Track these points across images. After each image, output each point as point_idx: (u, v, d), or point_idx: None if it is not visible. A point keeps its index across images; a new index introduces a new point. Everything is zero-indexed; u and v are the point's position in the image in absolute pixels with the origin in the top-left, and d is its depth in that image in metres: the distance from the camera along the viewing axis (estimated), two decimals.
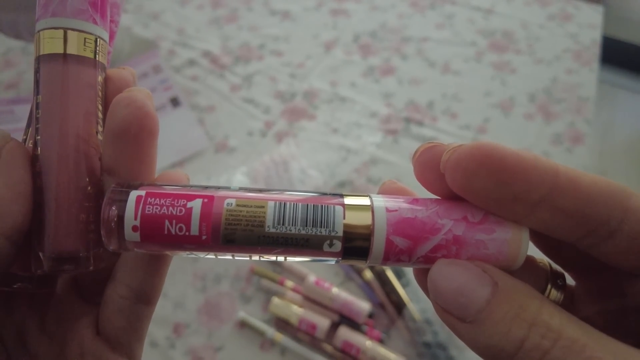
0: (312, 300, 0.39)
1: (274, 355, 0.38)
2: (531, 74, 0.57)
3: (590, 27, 0.63)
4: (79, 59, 0.14)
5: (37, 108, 0.14)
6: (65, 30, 0.13)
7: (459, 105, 0.54)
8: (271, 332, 0.38)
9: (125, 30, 0.62)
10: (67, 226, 0.13)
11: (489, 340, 0.10)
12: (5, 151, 0.13)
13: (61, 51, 0.13)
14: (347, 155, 0.49)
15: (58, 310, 0.16)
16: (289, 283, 0.40)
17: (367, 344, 0.36)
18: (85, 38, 0.14)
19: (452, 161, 0.11)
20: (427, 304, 0.38)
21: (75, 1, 0.13)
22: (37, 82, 0.14)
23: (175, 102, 0.54)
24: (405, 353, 0.37)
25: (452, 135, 0.51)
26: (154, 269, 0.15)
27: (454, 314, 0.11)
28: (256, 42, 0.61)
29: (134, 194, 0.12)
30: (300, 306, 0.39)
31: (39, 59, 0.14)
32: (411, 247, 0.12)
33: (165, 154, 0.49)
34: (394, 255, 0.12)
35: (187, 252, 0.13)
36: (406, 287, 0.39)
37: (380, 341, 0.37)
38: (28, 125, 0.15)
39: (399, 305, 0.38)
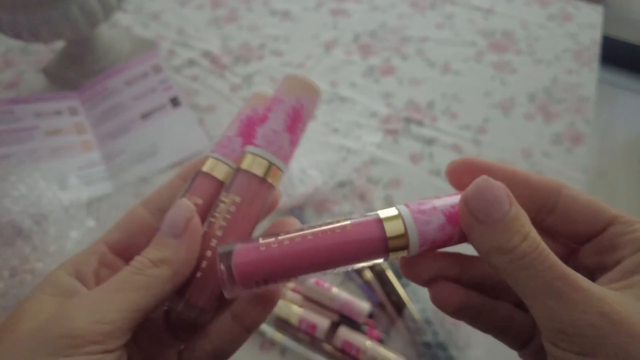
0: (312, 300, 0.39)
1: (273, 355, 0.38)
2: (531, 74, 0.57)
3: (590, 27, 0.63)
4: (269, 186, 0.19)
5: (225, 198, 0.18)
6: (271, 164, 0.18)
7: (459, 105, 0.54)
8: (271, 332, 0.38)
9: (125, 30, 0.63)
10: (205, 289, 0.18)
11: (494, 241, 0.15)
12: (192, 225, 0.17)
13: (261, 175, 0.18)
14: (347, 155, 0.49)
15: (150, 333, 0.19)
16: (289, 283, 0.40)
17: (367, 344, 0.36)
18: (280, 174, 0.19)
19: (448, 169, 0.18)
20: (427, 304, 0.38)
21: (285, 148, 0.19)
22: (234, 181, 0.18)
23: (175, 102, 0.54)
24: (405, 353, 0.37)
25: (452, 135, 0.51)
26: (241, 338, 0.18)
27: (478, 216, 0.15)
28: (256, 42, 0.61)
29: (230, 261, 0.16)
30: (300, 306, 0.39)
31: (243, 171, 0.18)
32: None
33: (164, 155, 0.49)
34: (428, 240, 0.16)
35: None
36: (406, 287, 0.39)
37: (380, 341, 0.37)
38: (187, 190, 0.20)
39: (399, 306, 0.38)
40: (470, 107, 0.54)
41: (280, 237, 0.16)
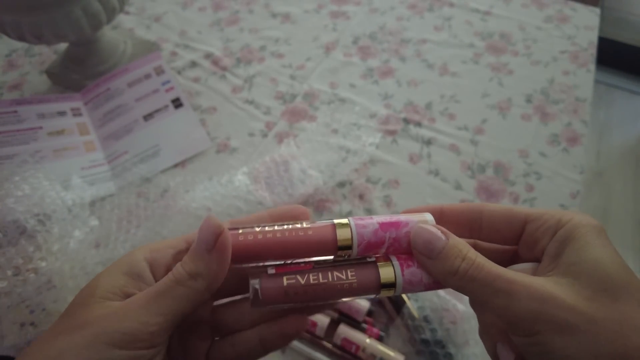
0: None
1: (274, 353, 0.38)
2: (528, 75, 0.58)
3: (587, 29, 0.63)
4: (375, 291, 0.20)
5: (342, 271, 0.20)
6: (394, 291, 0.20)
7: (457, 106, 0.55)
8: None
9: (128, 32, 0.63)
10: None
11: (443, 268, 0.18)
12: (221, 241, 0.18)
13: (378, 288, 0.20)
14: (347, 156, 0.49)
15: (193, 324, 0.21)
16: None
17: (367, 341, 0.37)
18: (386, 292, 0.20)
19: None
20: (425, 302, 0.39)
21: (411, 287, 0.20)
22: (362, 265, 0.20)
23: (177, 103, 0.54)
24: (403, 350, 0.38)
25: (450, 135, 0.52)
26: (257, 354, 0.21)
27: (425, 254, 0.19)
28: (257, 44, 0.62)
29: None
30: None
31: (375, 266, 0.20)
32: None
33: (167, 155, 0.50)
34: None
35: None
36: None
37: (379, 339, 0.38)
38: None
39: (398, 304, 0.39)
40: (468, 108, 0.54)
41: (256, 230, 0.20)
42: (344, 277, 0.19)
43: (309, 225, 0.20)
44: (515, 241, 0.20)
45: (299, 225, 0.20)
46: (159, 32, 0.63)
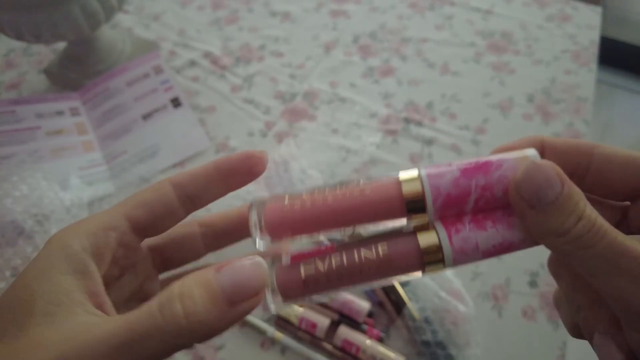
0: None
1: (274, 354, 0.38)
2: (530, 74, 0.58)
3: (588, 28, 0.63)
4: (419, 266, 0.17)
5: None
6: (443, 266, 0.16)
7: (458, 106, 0.54)
8: (272, 331, 0.38)
9: (127, 31, 0.63)
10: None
11: (548, 224, 0.14)
12: (258, 297, 0.15)
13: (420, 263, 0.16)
14: (347, 156, 0.49)
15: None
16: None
17: (367, 342, 0.36)
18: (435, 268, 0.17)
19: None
20: (426, 303, 0.38)
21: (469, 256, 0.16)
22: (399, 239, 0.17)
23: (176, 102, 0.54)
24: (404, 352, 0.37)
25: (451, 135, 0.51)
26: None
27: (529, 202, 0.14)
28: (256, 43, 0.61)
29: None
30: (301, 305, 0.39)
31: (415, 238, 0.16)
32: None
33: (166, 155, 0.50)
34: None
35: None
36: (405, 286, 0.40)
37: (380, 340, 0.37)
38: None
39: (399, 305, 0.39)
40: (469, 107, 0.54)
41: (304, 196, 0.16)
42: (374, 255, 0.16)
43: (367, 182, 0.16)
44: (630, 199, 0.16)
45: (355, 185, 0.16)
46: (158, 31, 0.63)
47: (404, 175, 0.16)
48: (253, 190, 0.44)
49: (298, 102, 0.55)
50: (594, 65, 0.58)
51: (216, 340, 0.38)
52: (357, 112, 0.54)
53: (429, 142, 0.51)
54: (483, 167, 0.15)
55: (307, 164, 0.47)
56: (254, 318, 0.39)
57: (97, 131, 0.52)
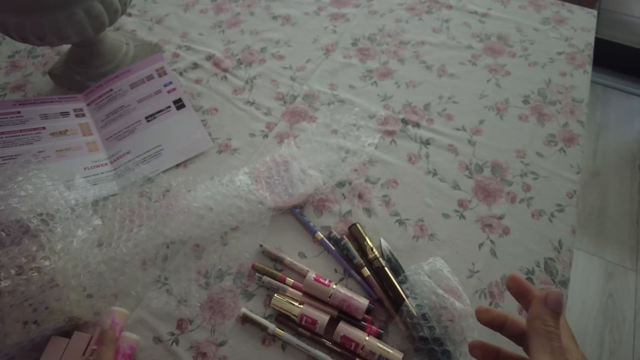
0: (312, 297, 0.40)
1: (275, 350, 0.39)
2: (526, 76, 0.58)
3: (584, 30, 0.64)
4: None
5: None
6: None
7: (455, 107, 0.55)
8: (272, 327, 0.39)
9: (130, 34, 0.64)
10: None
11: (549, 323, 0.24)
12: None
13: None
14: (346, 156, 0.50)
15: None
16: (290, 280, 0.41)
17: (366, 339, 0.37)
18: None
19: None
20: (424, 300, 0.39)
21: None
22: None
23: (179, 104, 0.55)
24: (402, 348, 0.38)
25: (448, 136, 0.52)
26: None
27: (557, 312, 0.24)
28: (258, 46, 0.62)
29: None
30: (301, 302, 0.40)
31: None
32: None
33: (170, 155, 0.51)
34: None
35: None
36: (403, 284, 0.40)
37: (378, 336, 0.38)
38: None
39: (397, 302, 0.39)
40: (465, 108, 0.55)
41: None
42: None
43: None
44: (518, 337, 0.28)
45: None
46: (161, 33, 0.64)
47: None
48: (254, 189, 0.45)
49: (298, 104, 0.56)
50: (589, 67, 0.59)
51: (218, 337, 0.39)
52: (356, 113, 0.54)
53: (427, 142, 0.52)
54: None
55: (307, 164, 0.47)
56: (255, 315, 0.40)
57: (102, 132, 0.53)
